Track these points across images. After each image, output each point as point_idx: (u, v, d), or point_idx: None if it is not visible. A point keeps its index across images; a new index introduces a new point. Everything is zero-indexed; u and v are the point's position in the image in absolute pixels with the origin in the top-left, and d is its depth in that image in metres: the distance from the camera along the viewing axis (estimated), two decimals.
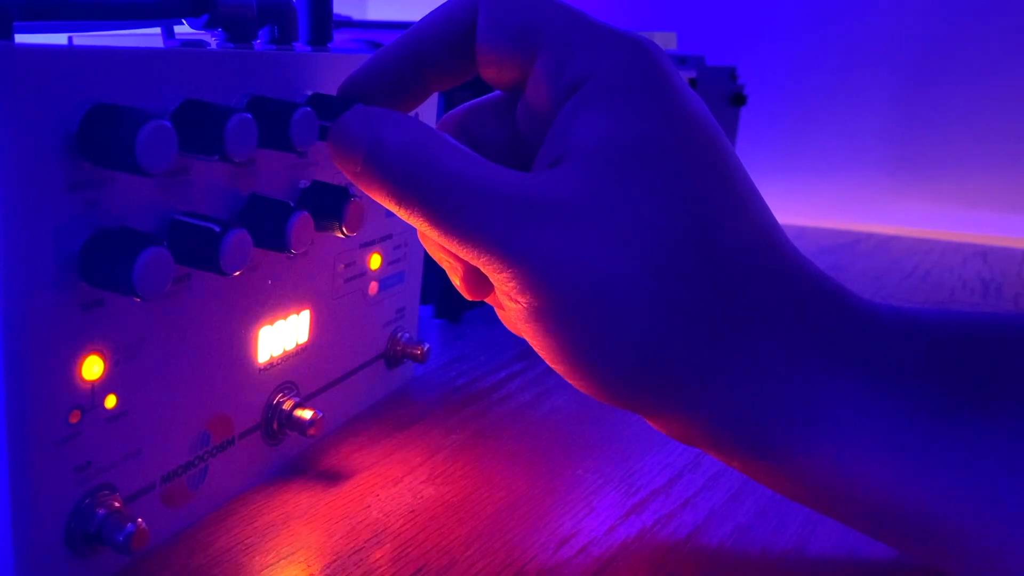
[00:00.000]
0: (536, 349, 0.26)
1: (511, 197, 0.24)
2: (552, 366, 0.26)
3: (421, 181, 0.25)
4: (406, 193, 0.25)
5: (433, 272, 0.44)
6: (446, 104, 0.49)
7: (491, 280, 0.26)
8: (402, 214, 0.25)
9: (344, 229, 0.31)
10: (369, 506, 0.32)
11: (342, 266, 0.36)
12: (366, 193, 0.26)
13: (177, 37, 0.35)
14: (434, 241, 0.29)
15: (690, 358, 0.25)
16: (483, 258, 0.25)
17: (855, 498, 0.25)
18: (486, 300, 0.30)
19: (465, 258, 0.25)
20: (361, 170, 0.25)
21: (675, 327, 0.25)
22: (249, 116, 0.25)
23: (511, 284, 0.25)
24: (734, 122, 0.91)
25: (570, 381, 0.26)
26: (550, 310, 0.25)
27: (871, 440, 0.25)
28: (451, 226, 0.25)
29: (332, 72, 0.32)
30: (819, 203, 1.13)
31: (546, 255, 0.24)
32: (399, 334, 0.41)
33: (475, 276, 0.29)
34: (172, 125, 0.22)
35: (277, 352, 0.32)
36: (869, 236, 0.93)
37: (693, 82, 0.77)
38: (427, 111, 0.39)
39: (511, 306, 0.26)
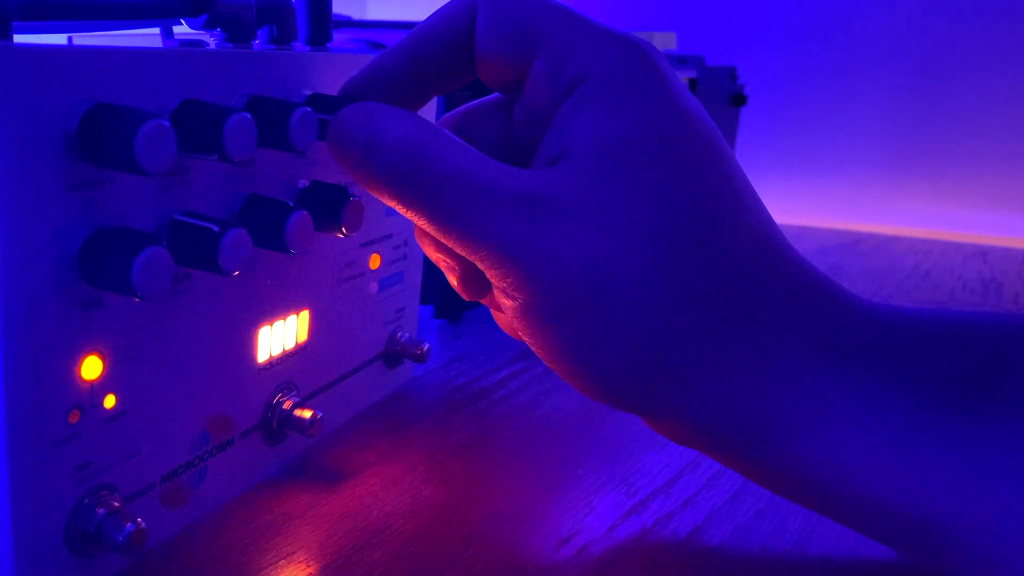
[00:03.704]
0: (532, 347, 0.26)
1: (510, 193, 0.24)
2: (548, 364, 0.26)
3: (419, 175, 0.25)
4: (404, 187, 0.25)
5: (433, 272, 0.44)
6: (446, 105, 0.49)
7: (488, 276, 0.26)
8: (400, 209, 0.26)
9: (344, 229, 0.31)
10: (369, 506, 0.32)
11: (342, 266, 0.36)
12: (364, 188, 0.26)
13: (176, 37, 0.35)
14: (431, 241, 0.29)
15: (686, 357, 0.25)
16: (480, 254, 0.25)
17: (852, 497, 0.25)
18: (482, 301, 0.30)
19: (463, 254, 0.25)
20: (359, 164, 0.25)
21: (671, 325, 0.25)
22: (248, 116, 0.25)
23: (508, 280, 0.25)
24: (734, 122, 0.91)
25: (565, 379, 0.26)
26: (546, 307, 0.25)
27: (868, 439, 0.25)
28: (449, 221, 0.25)
29: (331, 72, 0.32)
30: (819, 203, 1.13)
31: (543, 251, 0.24)
32: (399, 334, 0.41)
33: (472, 276, 0.29)
34: (171, 125, 0.22)
35: (277, 352, 0.32)
36: (869, 236, 0.93)
37: (693, 82, 0.78)
38: (426, 113, 0.39)
39: (507, 303, 0.26)
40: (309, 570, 0.28)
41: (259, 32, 0.33)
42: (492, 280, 0.26)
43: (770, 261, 0.26)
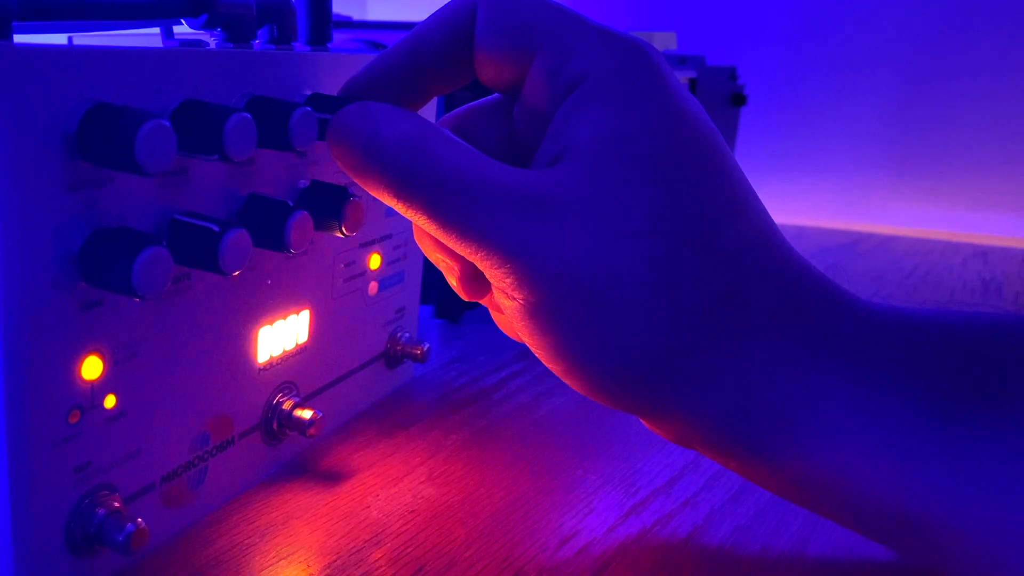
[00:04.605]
0: (532, 348, 0.26)
1: (510, 192, 0.24)
2: (547, 365, 0.26)
3: (419, 174, 0.25)
4: (404, 186, 0.25)
5: (433, 272, 0.44)
6: (446, 105, 0.49)
7: (488, 276, 0.26)
8: (399, 208, 0.25)
9: (344, 229, 0.31)
10: (369, 506, 0.32)
11: (342, 266, 0.36)
12: (364, 187, 0.26)
13: (176, 37, 0.35)
14: (430, 241, 0.29)
15: (686, 357, 0.25)
16: (480, 253, 0.25)
17: (852, 499, 0.25)
18: (482, 302, 0.30)
19: (462, 253, 0.25)
20: (359, 163, 0.25)
21: (671, 326, 0.25)
22: (248, 116, 0.25)
23: (508, 280, 0.25)
24: (734, 122, 0.91)
25: (565, 380, 0.26)
26: (546, 306, 0.25)
27: (868, 440, 0.25)
28: (449, 220, 0.25)
29: (331, 72, 0.32)
30: (819, 203, 1.13)
31: (543, 251, 0.24)
32: (399, 334, 0.41)
33: (472, 276, 0.29)
34: (171, 125, 0.22)
35: (277, 352, 0.32)
36: (869, 236, 0.93)
37: (693, 82, 0.78)
38: (426, 113, 0.39)
39: (507, 303, 0.26)
40: (309, 570, 0.28)
41: (259, 32, 0.33)
42: (492, 280, 0.26)
43: (770, 262, 0.26)
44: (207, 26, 0.31)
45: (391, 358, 0.41)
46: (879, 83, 1.10)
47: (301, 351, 0.34)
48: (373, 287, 0.39)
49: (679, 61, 0.81)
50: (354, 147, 0.26)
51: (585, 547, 0.30)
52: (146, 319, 0.26)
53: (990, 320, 0.28)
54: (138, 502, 0.27)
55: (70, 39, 0.34)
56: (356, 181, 0.26)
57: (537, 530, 0.31)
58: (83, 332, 0.24)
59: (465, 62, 0.28)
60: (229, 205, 0.28)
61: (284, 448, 0.34)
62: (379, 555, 0.29)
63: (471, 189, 0.24)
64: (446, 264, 0.29)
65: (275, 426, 0.33)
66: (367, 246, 0.37)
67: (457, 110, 0.30)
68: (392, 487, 0.33)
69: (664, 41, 0.83)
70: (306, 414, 0.33)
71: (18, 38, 0.25)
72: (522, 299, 0.25)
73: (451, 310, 0.53)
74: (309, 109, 0.27)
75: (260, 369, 0.32)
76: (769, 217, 0.27)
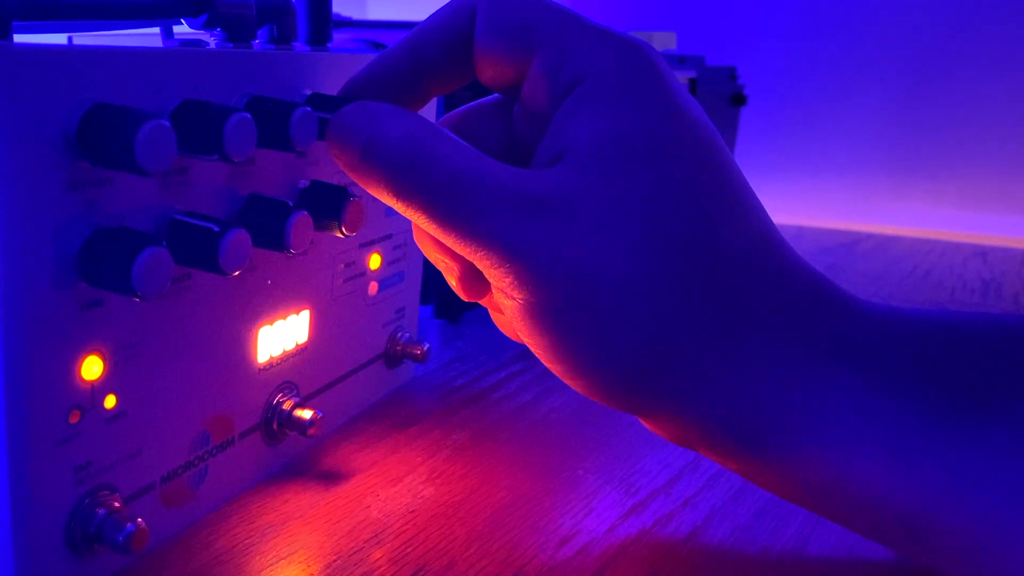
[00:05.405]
0: (531, 348, 0.26)
1: (510, 192, 0.24)
2: (547, 365, 0.26)
3: (419, 174, 0.25)
4: (404, 186, 0.25)
5: (433, 272, 0.44)
6: (446, 105, 0.49)
7: (487, 276, 0.26)
8: (399, 207, 0.25)
9: (344, 229, 0.31)
10: (369, 506, 0.32)
11: (342, 266, 0.36)
12: (364, 187, 0.26)
13: (176, 37, 0.35)
14: (430, 241, 0.29)
15: (685, 357, 0.25)
16: (480, 253, 0.25)
17: (850, 498, 0.25)
18: (481, 302, 0.30)
19: (462, 253, 0.25)
20: (359, 163, 0.25)
21: (670, 325, 0.25)
22: (248, 116, 0.25)
23: (507, 280, 0.25)
24: (734, 122, 0.91)
25: (565, 380, 0.26)
26: (546, 306, 0.25)
27: (867, 440, 0.25)
28: (449, 220, 0.25)
29: (331, 72, 0.32)
30: (819, 203, 1.13)
31: (543, 250, 0.24)
32: (399, 334, 0.41)
33: (472, 276, 0.29)
34: (171, 125, 0.22)
35: (277, 352, 0.32)
36: (869, 236, 0.93)
37: (693, 82, 0.77)
38: (426, 113, 0.39)
39: (507, 303, 0.26)
40: (309, 570, 0.28)
41: (259, 32, 0.33)
42: (491, 280, 0.26)
43: (769, 262, 0.26)
44: (207, 26, 0.31)
45: (391, 358, 0.41)
46: (879, 83, 1.10)
47: (301, 351, 0.34)
48: (373, 287, 0.39)
49: (679, 61, 0.81)
50: (354, 147, 0.26)
51: (585, 547, 0.30)
52: (146, 319, 0.26)
53: (990, 320, 0.28)
54: (138, 502, 0.27)
55: (70, 39, 0.34)
56: (356, 181, 0.26)
57: (537, 530, 0.31)
58: (83, 332, 0.24)
59: (465, 62, 0.28)
60: (229, 205, 0.28)
61: (284, 448, 0.34)
62: (379, 555, 0.29)
63: (471, 189, 0.24)
64: (446, 264, 0.29)
65: (275, 426, 0.33)
66: (367, 246, 0.37)
67: (457, 110, 0.30)
68: (392, 487, 0.33)
69: (664, 41, 0.83)
70: (306, 414, 0.33)
71: (18, 38, 0.25)
72: (522, 299, 0.25)
73: (451, 310, 0.53)
74: (309, 109, 0.27)
75: (260, 369, 0.32)
76: (768, 217, 0.27)
